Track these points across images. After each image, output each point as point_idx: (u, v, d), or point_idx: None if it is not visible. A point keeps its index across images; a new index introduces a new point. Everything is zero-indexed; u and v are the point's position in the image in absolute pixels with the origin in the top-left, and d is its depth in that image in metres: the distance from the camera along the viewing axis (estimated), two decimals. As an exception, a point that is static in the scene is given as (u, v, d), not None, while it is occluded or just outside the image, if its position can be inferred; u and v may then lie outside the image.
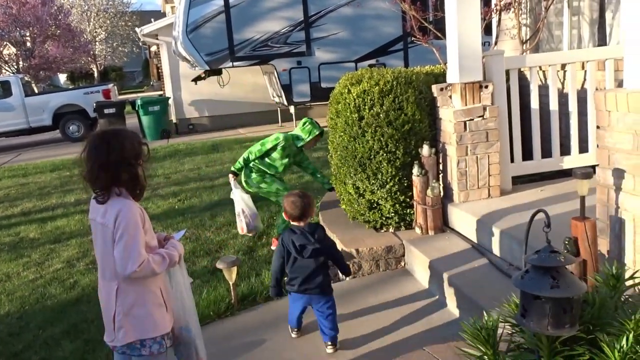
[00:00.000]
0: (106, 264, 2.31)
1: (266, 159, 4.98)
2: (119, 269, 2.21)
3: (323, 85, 12.22)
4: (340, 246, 4.26)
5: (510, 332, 2.15)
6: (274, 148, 4.93)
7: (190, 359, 2.55)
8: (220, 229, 5.82)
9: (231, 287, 3.92)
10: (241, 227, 5.13)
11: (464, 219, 4.11)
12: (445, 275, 3.57)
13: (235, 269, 3.88)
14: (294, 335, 3.39)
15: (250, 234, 5.26)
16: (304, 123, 5.02)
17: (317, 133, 4.93)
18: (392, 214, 4.39)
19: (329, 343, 3.19)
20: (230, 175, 5.03)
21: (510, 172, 4.43)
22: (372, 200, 4.39)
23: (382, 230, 4.51)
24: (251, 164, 4.99)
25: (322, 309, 3.19)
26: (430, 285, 3.80)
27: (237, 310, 3.87)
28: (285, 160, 4.99)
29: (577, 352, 1.90)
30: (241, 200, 5.04)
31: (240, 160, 5.00)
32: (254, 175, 5.01)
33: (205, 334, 2.85)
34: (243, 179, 5.07)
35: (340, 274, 3.55)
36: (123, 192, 2.29)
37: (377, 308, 3.65)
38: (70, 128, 15.24)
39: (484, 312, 2.83)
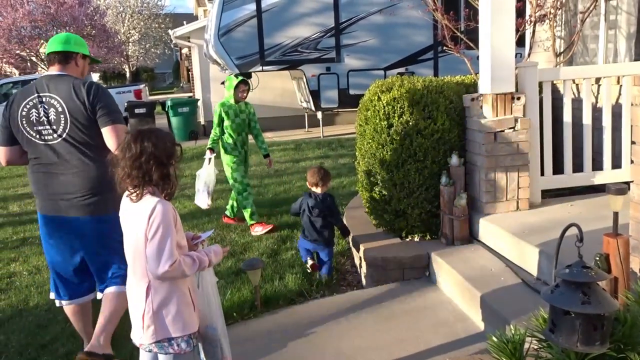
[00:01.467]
0: (137, 262, 2.34)
1: (226, 131, 5.72)
2: (151, 268, 2.24)
3: (351, 92, 12.24)
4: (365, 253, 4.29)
5: (536, 347, 2.12)
6: (221, 119, 5.73)
7: (216, 357, 2.57)
8: (246, 231, 5.86)
9: (255, 290, 3.95)
10: (207, 202, 5.76)
11: (491, 231, 4.07)
12: (470, 287, 3.54)
13: (259, 272, 3.90)
14: (309, 264, 4.40)
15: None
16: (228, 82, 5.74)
17: (234, 84, 5.64)
18: (418, 223, 4.37)
19: (324, 274, 4.41)
20: (208, 151, 5.77)
21: (540, 186, 4.38)
22: (399, 209, 4.37)
23: (408, 239, 4.49)
24: (224, 143, 5.76)
25: (323, 255, 4.44)
26: (454, 296, 3.77)
27: (261, 313, 3.90)
28: (237, 119, 5.74)
29: (607, 370, 1.87)
30: (209, 176, 5.68)
31: (210, 138, 5.87)
32: (224, 155, 5.80)
33: (229, 334, 2.87)
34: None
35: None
36: (156, 192, 2.32)
37: (401, 316, 3.64)
38: (102, 126, 15.50)
39: (511, 326, 2.80)
